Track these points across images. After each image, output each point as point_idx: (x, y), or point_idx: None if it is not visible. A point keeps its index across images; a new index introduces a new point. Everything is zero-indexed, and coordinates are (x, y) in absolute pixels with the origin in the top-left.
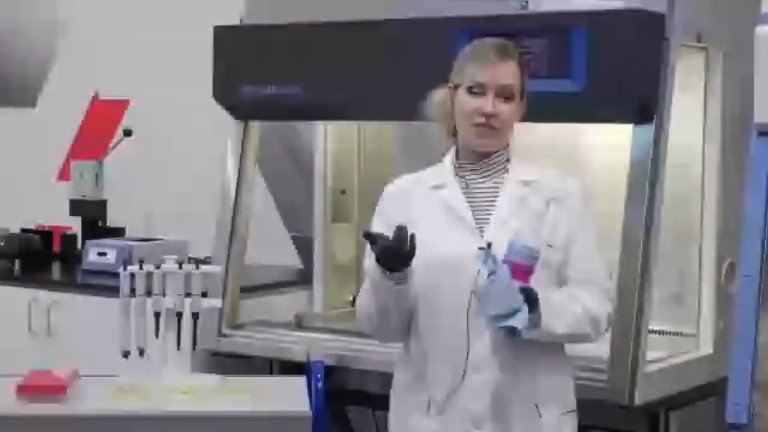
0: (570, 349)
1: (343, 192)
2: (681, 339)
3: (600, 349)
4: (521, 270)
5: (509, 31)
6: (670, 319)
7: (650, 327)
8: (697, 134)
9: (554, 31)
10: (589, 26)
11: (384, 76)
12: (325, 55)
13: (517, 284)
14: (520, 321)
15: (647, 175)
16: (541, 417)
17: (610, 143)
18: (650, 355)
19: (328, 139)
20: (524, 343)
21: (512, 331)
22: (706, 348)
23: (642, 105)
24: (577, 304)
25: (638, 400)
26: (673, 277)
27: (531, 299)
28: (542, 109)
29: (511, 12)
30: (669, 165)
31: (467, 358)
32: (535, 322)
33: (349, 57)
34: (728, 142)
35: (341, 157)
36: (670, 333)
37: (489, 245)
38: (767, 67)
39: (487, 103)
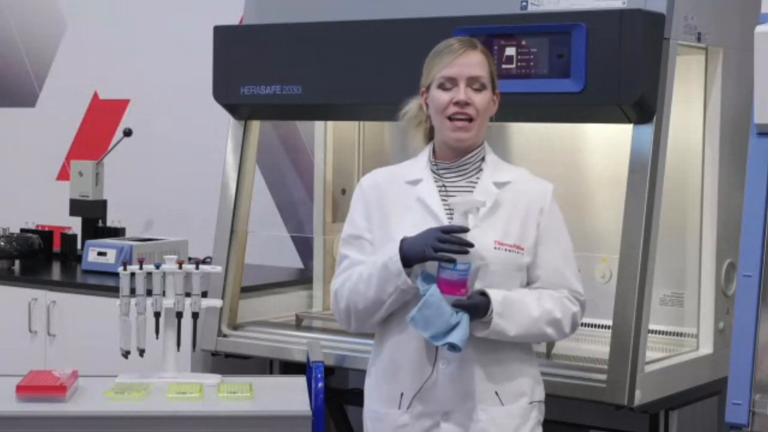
0: (570, 348)
1: (343, 192)
2: (681, 339)
3: (600, 349)
4: (451, 285)
5: (509, 31)
6: (670, 319)
7: (650, 327)
8: (697, 134)
9: (554, 31)
10: (589, 26)
11: (384, 76)
12: (325, 55)
13: (450, 300)
14: (456, 336)
15: (647, 175)
16: (503, 405)
17: (610, 143)
18: (650, 355)
19: (328, 139)
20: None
21: (453, 347)
22: (706, 348)
23: (642, 105)
24: (536, 307)
25: (638, 400)
26: (673, 277)
27: (471, 307)
28: (542, 109)
29: (511, 12)
30: (669, 165)
31: (437, 351)
32: (483, 324)
33: (349, 57)
34: (728, 142)
35: (341, 156)
36: (670, 333)
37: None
38: (767, 67)
39: (459, 92)
